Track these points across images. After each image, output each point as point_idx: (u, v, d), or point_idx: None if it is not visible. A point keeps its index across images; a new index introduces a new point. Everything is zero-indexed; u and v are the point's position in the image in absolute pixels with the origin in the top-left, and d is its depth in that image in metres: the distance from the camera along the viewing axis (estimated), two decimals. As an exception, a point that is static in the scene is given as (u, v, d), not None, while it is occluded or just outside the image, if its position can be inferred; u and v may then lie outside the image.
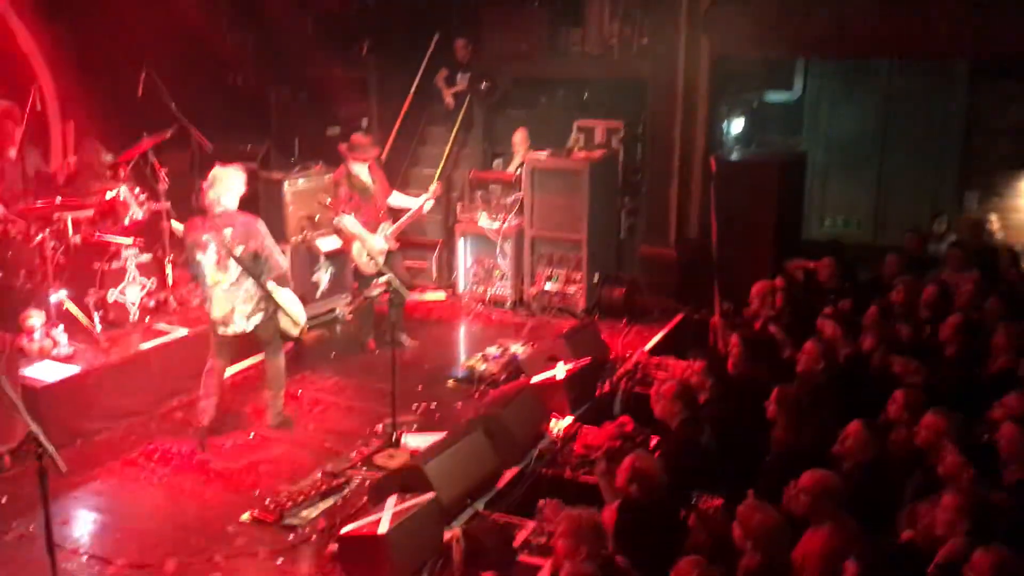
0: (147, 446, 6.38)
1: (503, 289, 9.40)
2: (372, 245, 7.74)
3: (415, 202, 8.07)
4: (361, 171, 7.91)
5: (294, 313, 6.51)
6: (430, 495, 4.96)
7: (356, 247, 7.82)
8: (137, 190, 7.76)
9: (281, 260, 6.40)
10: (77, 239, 7.33)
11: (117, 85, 8.45)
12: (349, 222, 7.74)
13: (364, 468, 6.06)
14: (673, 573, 3.76)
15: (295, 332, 6.62)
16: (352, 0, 10.78)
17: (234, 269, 6.12)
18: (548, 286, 9.24)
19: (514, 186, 9.49)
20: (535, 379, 6.71)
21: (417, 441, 6.31)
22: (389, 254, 7.88)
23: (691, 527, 4.51)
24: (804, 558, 4.12)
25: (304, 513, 5.48)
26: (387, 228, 7.91)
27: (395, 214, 8.09)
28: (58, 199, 7.45)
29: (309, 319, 8.29)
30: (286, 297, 6.48)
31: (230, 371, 7.52)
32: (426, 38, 10.58)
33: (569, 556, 3.99)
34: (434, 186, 8.23)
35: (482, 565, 4.76)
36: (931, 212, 10.09)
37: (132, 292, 7.42)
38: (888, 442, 5.23)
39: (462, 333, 8.92)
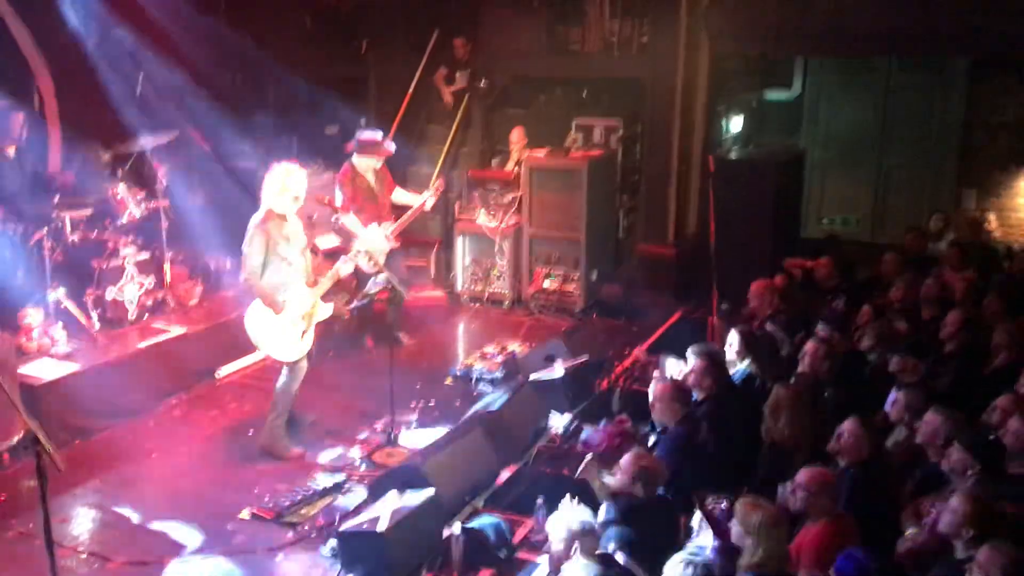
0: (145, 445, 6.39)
1: (501, 288, 9.40)
2: (373, 244, 7.70)
3: (417, 199, 8.02)
4: (368, 172, 7.82)
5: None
6: (429, 492, 4.96)
7: (358, 247, 7.69)
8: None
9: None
10: (75, 238, 7.33)
11: (116, 84, 8.44)
12: (350, 221, 7.71)
13: (363, 466, 6.06)
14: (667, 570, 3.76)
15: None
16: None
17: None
18: (546, 285, 9.24)
19: (513, 185, 9.49)
20: (533, 377, 6.72)
21: (416, 439, 6.31)
22: (390, 253, 7.84)
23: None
24: (800, 553, 4.14)
25: (303, 511, 5.49)
26: (388, 227, 7.85)
27: (397, 212, 8.05)
28: (56, 198, 7.45)
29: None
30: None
31: (227, 369, 7.56)
32: (425, 36, 10.58)
33: (569, 554, 3.99)
34: (436, 183, 8.19)
35: (481, 562, 4.77)
36: (929, 210, 10.10)
37: (130, 291, 7.41)
38: (890, 443, 5.25)
39: (460, 332, 8.91)
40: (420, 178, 10.07)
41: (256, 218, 6.00)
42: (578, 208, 9.05)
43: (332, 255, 8.63)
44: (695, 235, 9.77)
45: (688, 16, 9.40)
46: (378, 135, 8.03)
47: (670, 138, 9.65)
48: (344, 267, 6.33)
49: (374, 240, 7.69)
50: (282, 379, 6.22)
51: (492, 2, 10.55)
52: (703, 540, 4.42)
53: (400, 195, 8.12)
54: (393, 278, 6.80)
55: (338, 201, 7.81)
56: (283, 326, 6.05)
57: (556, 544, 4.02)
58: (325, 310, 6.30)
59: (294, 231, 6.13)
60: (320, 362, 7.83)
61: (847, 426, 4.67)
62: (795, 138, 11.25)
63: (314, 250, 7.34)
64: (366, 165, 7.84)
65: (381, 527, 4.61)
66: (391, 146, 8.05)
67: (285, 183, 5.96)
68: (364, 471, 5.97)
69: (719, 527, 4.33)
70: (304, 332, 6.14)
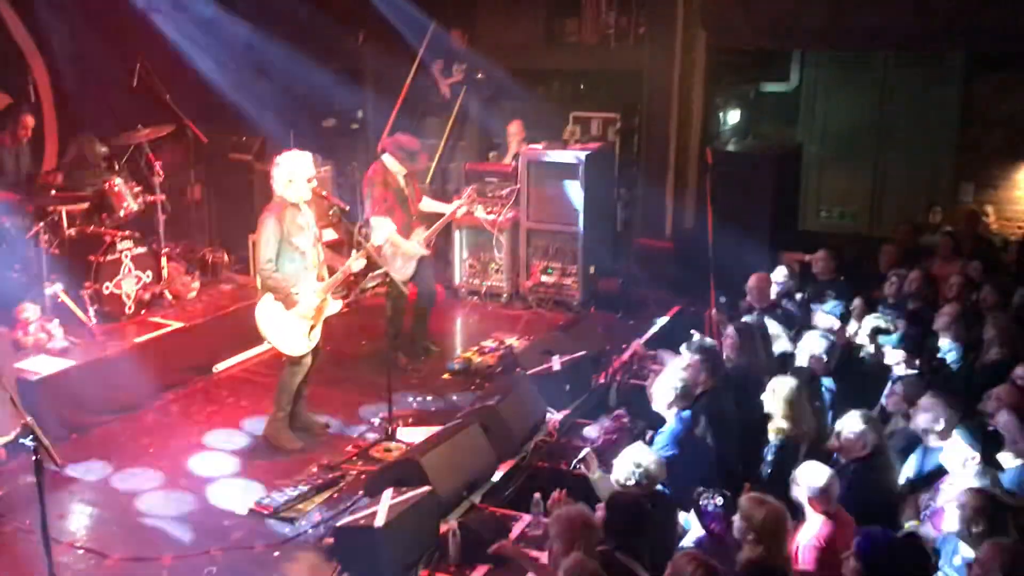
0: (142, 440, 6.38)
1: (499, 282, 9.39)
2: (407, 250, 7.52)
3: (447, 207, 7.91)
4: (399, 174, 7.55)
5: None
6: (426, 488, 4.97)
7: (389, 251, 7.39)
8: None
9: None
10: (72, 232, 7.31)
11: (112, 77, 8.42)
12: (384, 224, 7.35)
13: (360, 461, 6.05)
14: (671, 567, 3.77)
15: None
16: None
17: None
18: (544, 278, 9.24)
19: (510, 178, 9.47)
20: (531, 372, 6.72)
21: (413, 434, 6.32)
22: (422, 259, 7.64)
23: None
24: (796, 551, 4.15)
25: (300, 506, 5.48)
26: (421, 234, 7.61)
27: (425, 218, 7.83)
28: (53, 192, 7.44)
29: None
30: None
31: (225, 364, 7.55)
32: (422, 28, 10.54)
33: (564, 554, 3.99)
34: (468, 191, 8.16)
35: (478, 557, 4.78)
36: (927, 203, 10.11)
37: (127, 285, 7.40)
38: (887, 434, 5.26)
39: (458, 326, 8.90)
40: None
41: (269, 208, 5.98)
42: (575, 201, 9.03)
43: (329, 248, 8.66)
44: (692, 229, 9.77)
45: (685, 8, 9.39)
46: (416, 142, 7.78)
47: (667, 131, 9.66)
48: (355, 263, 6.29)
49: (408, 246, 7.51)
50: (283, 374, 6.22)
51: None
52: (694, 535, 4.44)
53: (429, 204, 7.93)
54: (394, 275, 6.77)
55: (368, 202, 7.57)
56: (293, 320, 6.03)
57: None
58: (335, 305, 6.28)
59: (307, 221, 6.11)
60: (317, 358, 7.85)
61: (847, 423, 4.67)
62: (792, 130, 11.23)
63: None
64: (398, 167, 7.59)
65: (378, 522, 4.61)
66: (423, 157, 7.97)
67: (293, 170, 5.95)
68: (361, 466, 5.97)
69: (708, 523, 4.33)
70: (312, 327, 6.12)
